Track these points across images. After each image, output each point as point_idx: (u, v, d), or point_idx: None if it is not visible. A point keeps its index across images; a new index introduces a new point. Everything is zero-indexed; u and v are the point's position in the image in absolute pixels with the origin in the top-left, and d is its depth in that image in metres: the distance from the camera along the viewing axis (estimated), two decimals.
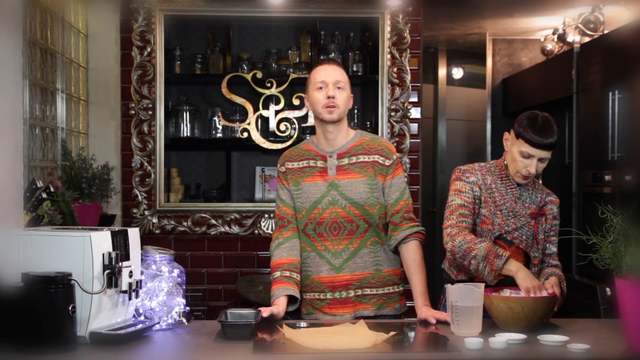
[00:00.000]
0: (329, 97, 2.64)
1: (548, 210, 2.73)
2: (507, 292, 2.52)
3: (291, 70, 4.80)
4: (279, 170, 2.78)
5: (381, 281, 2.71)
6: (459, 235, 2.58)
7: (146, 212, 4.59)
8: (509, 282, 2.56)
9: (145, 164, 4.58)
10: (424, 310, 2.58)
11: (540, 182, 2.88)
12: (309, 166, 2.71)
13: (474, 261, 2.53)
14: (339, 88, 2.68)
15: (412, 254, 2.70)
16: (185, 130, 4.80)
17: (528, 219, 2.69)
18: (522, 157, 2.61)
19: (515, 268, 2.50)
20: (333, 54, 4.83)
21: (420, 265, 2.69)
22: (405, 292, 2.80)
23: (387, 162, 2.71)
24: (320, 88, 2.67)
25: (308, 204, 2.68)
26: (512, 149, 2.65)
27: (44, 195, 2.97)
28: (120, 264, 2.22)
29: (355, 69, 4.83)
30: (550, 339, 2.21)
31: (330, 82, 2.66)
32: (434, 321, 2.51)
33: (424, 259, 2.74)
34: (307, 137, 2.86)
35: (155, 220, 4.59)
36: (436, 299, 2.89)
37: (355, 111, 4.92)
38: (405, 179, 2.76)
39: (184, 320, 2.43)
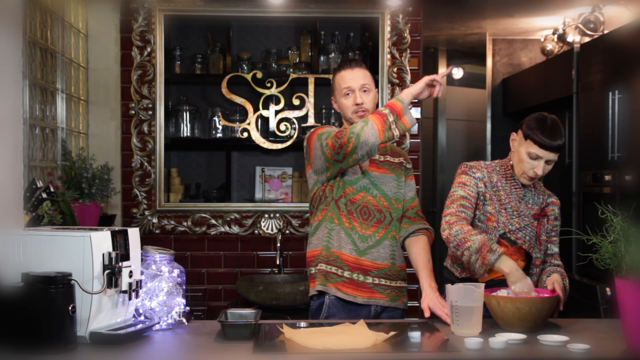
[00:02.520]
0: (357, 104, 2.74)
1: (550, 211, 2.74)
2: (503, 292, 2.51)
3: (291, 70, 4.80)
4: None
5: (395, 274, 2.79)
6: (457, 225, 2.58)
7: (146, 212, 4.59)
8: (504, 281, 2.57)
9: (145, 164, 4.58)
10: (429, 295, 2.63)
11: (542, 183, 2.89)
12: None
13: (467, 252, 2.53)
14: (365, 91, 2.76)
15: (422, 243, 2.82)
16: (185, 130, 4.80)
17: (531, 220, 2.70)
18: (530, 158, 2.62)
19: (507, 269, 2.49)
20: (333, 54, 4.83)
21: (429, 254, 2.81)
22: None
23: (408, 166, 2.92)
24: (348, 94, 2.75)
25: (344, 178, 2.73)
26: (519, 149, 2.65)
27: (44, 195, 2.97)
28: (120, 264, 2.22)
29: None
30: (550, 339, 2.21)
31: (356, 88, 2.75)
32: (427, 314, 2.56)
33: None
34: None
35: (155, 220, 4.59)
36: None
37: None
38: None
39: (184, 320, 2.43)
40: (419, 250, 2.80)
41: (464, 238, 2.55)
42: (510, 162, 2.72)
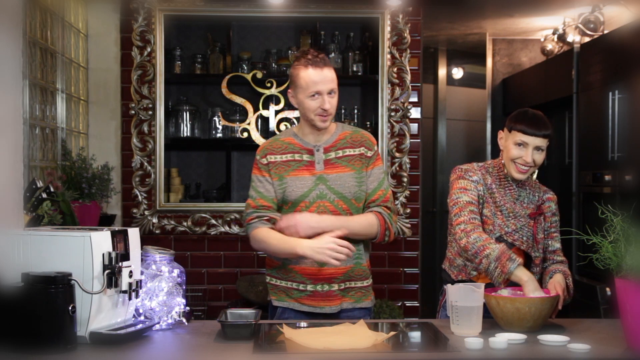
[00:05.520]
0: (324, 109, 2.61)
1: (546, 208, 2.73)
2: (505, 292, 2.52)
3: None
4: (260, 162, 2.69)
5: (361, 274, 2.71)
6: (474, 232, 2.57)
7: (146, 212, 4.59)
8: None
9: (145, 164, 4.58)
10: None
11: (535, 177, 2.88)
12: (294, 160, 2.66)
13: (486, 260, 2.51)
14: (330, 94, 2.63)
15: (364, 215, 2.68)
16: (185, 130, 4.80)
17: (527, 220, 2.69)
18: (517, 146, 2.63)
19: (526, 277, 2.48)
20: (333, 54, 4.82)
21: (360, 221, 2.65)
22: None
23: (369, 154, 2.71)
24: (314, 97, 2.61)
25: (293, 197, 2.63)
26: (507, 144, 2.68)
27: (44, 195, 2.97)
28: (120, 264, 2.22)
29: (355, 69, 4.83)
30: (551, 339, 2.21)
31: (324, 91, 2.61)
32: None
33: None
34: (286, 129, 2.82)
35: (155, 220, 4.59)
36: (436, 300, 2.89)
37: (355, 111, 4.92)
38: (384, 170, 2.76)
39: (184, 320, 2.43)
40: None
41: (483, 246, 2.53)
42: (502, 162, 2.72)
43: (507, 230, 2.66)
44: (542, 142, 2.62)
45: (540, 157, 2.65)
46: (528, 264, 2.73)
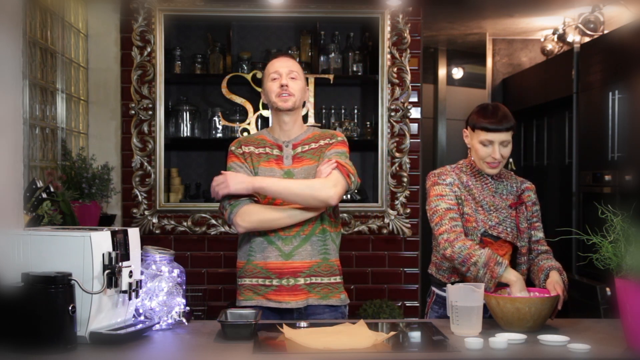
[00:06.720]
0: (282, 86, 2.69)
1: (526, 197, 2.75)
2: (505, 292, 2.52)
3: None
4: (236, 152, 2.73)
5: (328, 270, 2.69)
6: (458, 241, 2.57)
7: (146, 212, 4.59)
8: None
9: (145, 164, 4.58)
10: None
11: (509, 167, 2.88)
12: (266, 153, 2.74)
13: (474, 268, 2.52)
14: (292, 78, 2.72)
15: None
16: (185, 130, 4.80)
17: (509, 211, 2.70)
18: (484, 146, 2.66)
19: (514, 277, 2.51)
20: (333, 54, 4.83)
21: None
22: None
23: (332, 141, 2.75)
24: (274, 79, 2.72)
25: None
26: (473, 143, 2.71)
27: (44, 195, 2.97)
28: (120, 264, 2.22)
29: (355, 69, 4.83)
30: (551, 339, 2.22)
31: (283, 72, 2.72)
32: None
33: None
34: (259, 130, 2.87)
35: (155, 220, 4.59)
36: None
37: (355, 111, 4.92)
38: (343, 152, 2.72)
39: (184, 320, 2.43)
40: None
41: (469, 254, 2.53)
42: (472, 158, 2.74)
43: (491, 224, 2.67)
44: (506, 137, 2.66)
45: (507, 150, 2.68)
46: (514, 254, 2.73)
